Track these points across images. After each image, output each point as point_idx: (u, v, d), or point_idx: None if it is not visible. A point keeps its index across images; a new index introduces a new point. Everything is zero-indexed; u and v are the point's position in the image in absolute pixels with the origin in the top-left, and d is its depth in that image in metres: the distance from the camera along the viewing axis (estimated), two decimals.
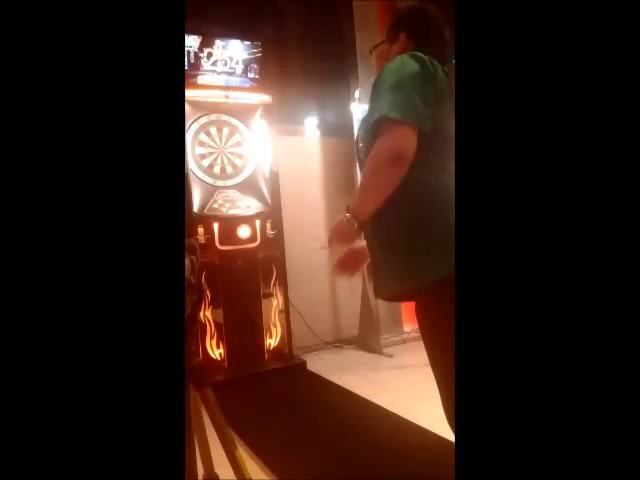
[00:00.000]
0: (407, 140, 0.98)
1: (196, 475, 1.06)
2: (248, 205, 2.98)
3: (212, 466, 1.13)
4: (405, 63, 1.05)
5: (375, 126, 1.02)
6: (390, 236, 1.08)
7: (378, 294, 1.17)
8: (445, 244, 0.99)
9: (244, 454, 1.85)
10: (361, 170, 1.33)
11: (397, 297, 1.19)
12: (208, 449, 1.11)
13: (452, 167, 1.05)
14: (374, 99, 1.06)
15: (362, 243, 1.19)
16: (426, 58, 1.06)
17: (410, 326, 3.41)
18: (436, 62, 1.07)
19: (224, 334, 2.86)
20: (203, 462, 1.12)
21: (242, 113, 3.09)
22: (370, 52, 1.33)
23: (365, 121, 1.14)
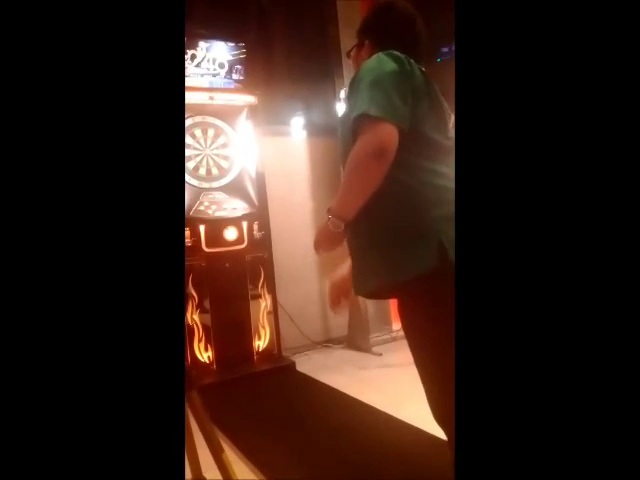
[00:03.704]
0: (388, 136, 0.98)
1: (184, 478, 1.05)
2: (234, 207, 2.97)
3: (200, 469, 1.13)
4: (382, 61, 1.05)
5: (355, 124, 1.01)
6: (369, 234, 1.08)
7: (357, 291, 1.17)
8: (424, 242, 1.00)
9: (233, 456, 1.85)
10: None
11: (376, 294, 1.20)
12: (195, 452, 1.11)
13: (431, 166, 1.05)
14: (352, 97, 1.06)
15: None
16: (403, 57, 1.06)
17: (399, 324, 3.41)
18: (412, 61, 1.08)
19: (212, 337, 2.85)
20: (191, 465, 1.12)
21: (227, 114, 3.08)
22: (347, 55, 1.34)
23: (343, 120, 1.14)
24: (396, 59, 1.05)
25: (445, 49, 3.47)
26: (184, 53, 2.86)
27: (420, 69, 1.09)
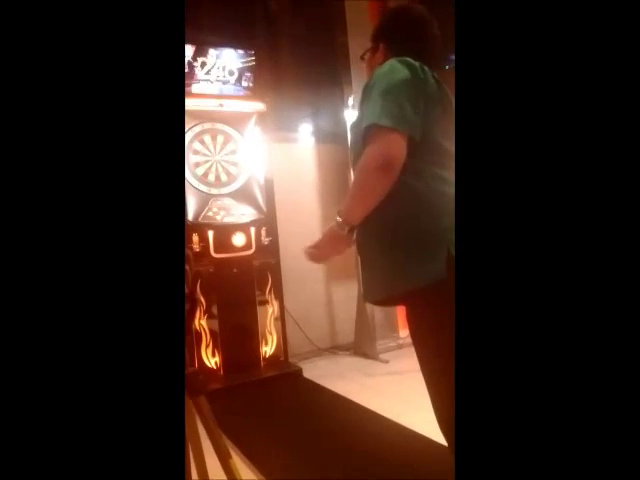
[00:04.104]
0: (396, 147, 0.98)
1: None
2: (243, 213, 2.98)
3: (207, 474, 1.13)
4: (395, 69, 1.04)
5: (365, 133, 1.01)
6: (380, 240, 1.08)
7: (367, 298, 1.18)
8: (433, 252, 0.99)
9: (239, 462, 1.85)
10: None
11: (386, 301, 1.19)
12: (202, 458, 1.11)
13: (443, 173, 1.05)
14: (364, 105, 1.06)
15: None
16: (417, 64, 1.06)
17: (406, 332, 3.39)
18: (426, 68, 1.07)
19: (220, 342, 2.86)
20: (197, 471, 1.11)
21: (236, 121, 3.10)
22: (361, 58, 1.34)
23: (355, 127, 1.14)
24: (409, 66, 1.04)
25: (453, 56, 3.48)
26: (184, 57, 2.88)
27: (434, 76, 1.08)
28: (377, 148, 0.99)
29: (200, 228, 2.83)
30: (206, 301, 2.83)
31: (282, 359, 3.10)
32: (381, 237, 1.08)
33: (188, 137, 2.93)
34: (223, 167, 3.03)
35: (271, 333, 3.06)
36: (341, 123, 3.48)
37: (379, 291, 1.12)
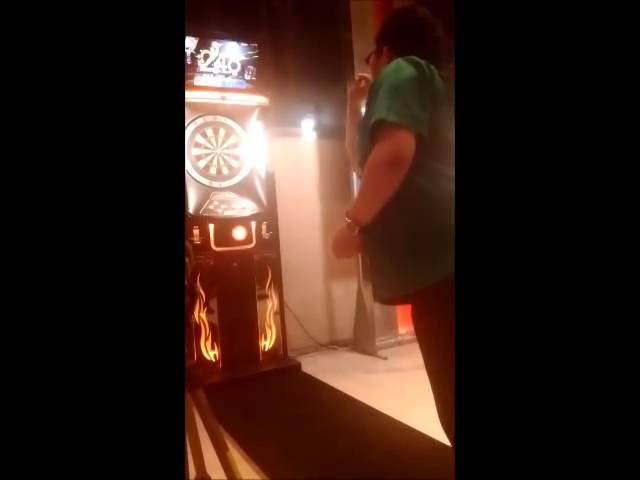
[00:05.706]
0: (405, 143, 0.98)
1: (188, 477, 1.06)
2: (244, 207, 2.98)
3: (204, 468, 1.13)
4: (401, 67, 1.05)
5: (373, 130, 1.02)
6: (388, 239, 1.08)
7: (377, 298, 1.18)
8: (443, 248, 0.99)
9: (237, 455, 1.85)
10: (356, 173, 1.34)
11: (396, 300, 1.19)
12: (200, 451, 1.11)
13: (451, 172, 1.04)
14: (371, 103, 1.06)
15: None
16: (423, 62, 1.06)
17: (405, 328, 3.41)
18: (432, 67, 1.07)
19: (219, 335, 2.86)
20: (195, 464, 1.12)
21: (238, 115, 3.09)
22: (366, 61, 1.33)
23: (362, 125, 1.14)
24: (415, 65, 1.05)
25: None
26: (184, 51, 2.86)
27: (440, 74, 1.08)
28: (385, 144, 0.99)
29: (201, 221, 2.82)
30: (206, 294, 2.83)
31: (281, 353, 3.10)
32: (390, 235, 1.07)
33: (190, 130, 2.92)
34: (225, 160, 3.02)
35: (270, 327, 3.06)
36: (343, 119, 3.46)
37: (389, 290, 1.12)
